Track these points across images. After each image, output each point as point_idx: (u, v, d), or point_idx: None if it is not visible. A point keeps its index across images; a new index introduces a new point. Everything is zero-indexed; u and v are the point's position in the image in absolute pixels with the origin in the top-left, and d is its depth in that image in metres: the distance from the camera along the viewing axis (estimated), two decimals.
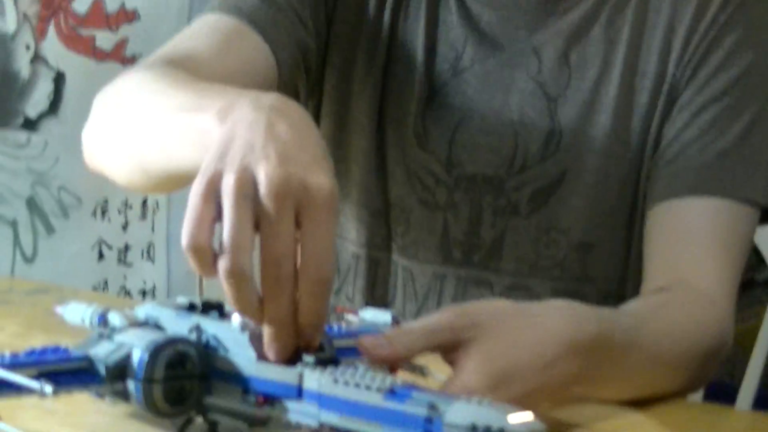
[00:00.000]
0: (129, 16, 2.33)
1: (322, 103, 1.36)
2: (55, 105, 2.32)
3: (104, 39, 2.33)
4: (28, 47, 2.30)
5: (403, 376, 0.84)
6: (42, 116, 2.33)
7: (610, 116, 1.28)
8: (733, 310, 1.20)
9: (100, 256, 2.39)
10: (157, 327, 0.88)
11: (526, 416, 0.71)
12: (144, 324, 0.88)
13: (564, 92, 1.29)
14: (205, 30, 1.23)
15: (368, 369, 0.79)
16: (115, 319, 0.88)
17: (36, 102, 2.32)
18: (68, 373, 0.82)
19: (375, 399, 0.76)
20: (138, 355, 0.82)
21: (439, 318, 0.87)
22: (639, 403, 1.02)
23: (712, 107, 1.25)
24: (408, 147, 1.33)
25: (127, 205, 2.38)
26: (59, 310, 0.95)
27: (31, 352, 0.83)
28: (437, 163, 1.32)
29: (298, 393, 0.80)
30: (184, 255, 0.80)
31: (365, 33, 1.33)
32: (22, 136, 2.33)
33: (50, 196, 2.35)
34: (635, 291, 1.25)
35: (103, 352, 0.83)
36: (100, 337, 0.86)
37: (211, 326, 0.86)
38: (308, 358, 0.80)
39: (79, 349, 0.84)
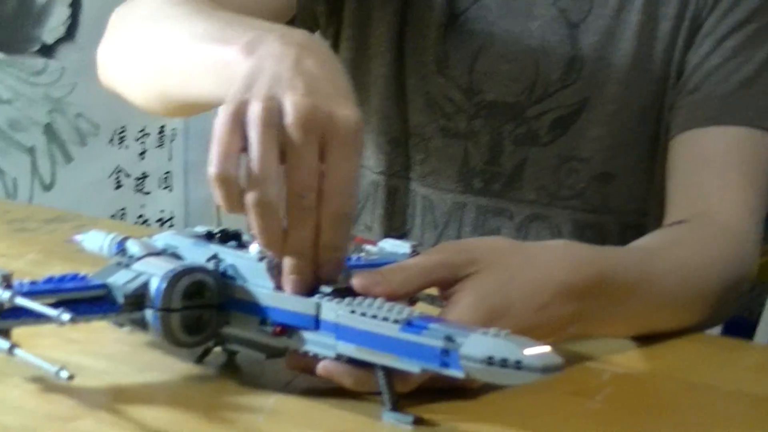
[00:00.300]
0: None
1: (341, 30, 1.35)
2: (71, 31, 2.32)
3: None
4: None
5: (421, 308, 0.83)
6: (59, 42, 2.32)
7: (632, 44, 1.27)
8: (758, 242, 1.19)
9: (118, 184, 2.39)
10: (175, 256, 0.88)
11: (543, 349, 0.71)
12: (162, 253, 0.88)
13: (585, 19, 1.28)
14: None
15: (386, 300, 0.79)
16: (133, 247, 0.87)
17: (52, 28, 2.32)
18: (86, 301, 0.82)
19: (391, 330, 0.76)
20: (156, 284, 0.82)
21: (437, 255, 0.86)
22: (655, 337, 1.02)
23: (735, 34, 1.24)
24: (428, 74, 1.32)
25: (144, 132, 2.38)
26: (78, 238, 0.94)
27: (50, 280, 0.82)
28: (457, 90, 1.31)
29: (316, 324, 0.80)
30: (201, 183, 0.79)
31: None
32: (38, 62, 2.33)
33: (67, 123, 2.35)
34: (657, 223, 1.24)
35: (121, 280, 0.83)
36: (118, 265, 0.85)
37: (229, 256, 0.85)
38: (325, 288, 0.80)
39: (98, 277, 0.84)
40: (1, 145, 2.34)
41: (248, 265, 0.84)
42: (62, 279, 0.83)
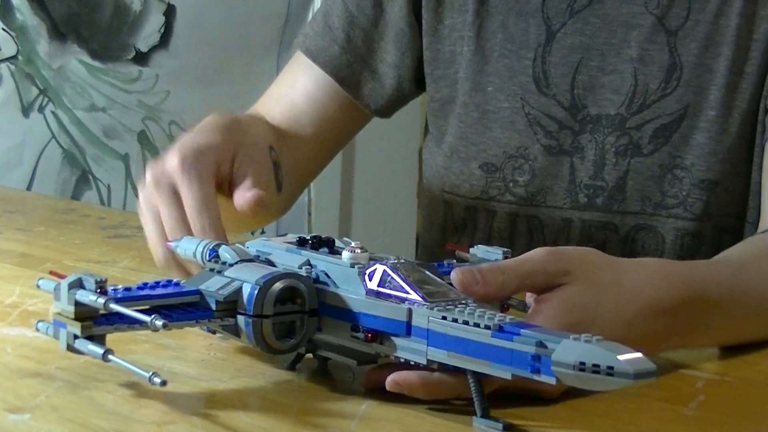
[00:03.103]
0: None
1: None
2: (165, 38, 2.34)
3: None
4: None
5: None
6: (153, 50, 2.35)
7: (731, 48, 1.26)
8: None
9: None
10: (268, 262, 0.88)
11: (636, 355, 0.70)
12: (255, 259, 0.88)
13: (684, 25, 1.27)
14: (299, 98, 1.39)
15: (478, 306, 0.78)
16: (226, 254, 0.88)
17: (147, 35, 2.34)
18: (180, 307, 0.82)
19: (483, 337, 0.76)
20: (248, 290, 0.82)
21: (534, 260, 0.86)
22: (749, 344, 1.00)
23: None
24: (527, 94, 1.31)
25: None
26: (172, 245, 0.95)
27: (143, 286, 0.83)
28: (559, 108, 1.30)
29: (407, 330, 0.80)
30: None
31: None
32: (133, 70, 2.36)
33: (161, 130, 2.37)
34: (753, 228, 1.23)
35: (214, 286, 0.83)
36: (212, 272, 0.86)
37: (321, 262, 0.86)
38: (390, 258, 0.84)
39: (191, 283, 0.85)
40: (95, 153, 2.37)
41: (340, 271, 0.84)
42: (156, 285, 0.84)
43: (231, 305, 0.83)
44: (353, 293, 0.83)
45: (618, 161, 1.28)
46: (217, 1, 2.32)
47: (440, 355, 0.78)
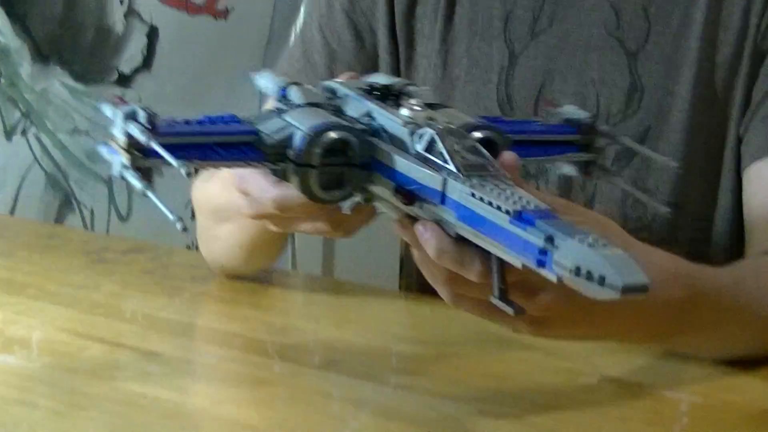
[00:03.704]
0: None
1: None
2: (148, 60, 2.33)
3: None
4: (121, 1, 2.30)
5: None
6: (136, 71, 2.34)
7: (693, 71, 1.25)
8: None
9: (193, 214, 2.41)
10: (334, 108, 0.89)
11: (632, 268, 0.69)
12: (322, 104, 0.88)
13: (644, 47, 1.27)
14: None
15: (511, 186, 0.78)
16: (295, 94, 0.89)
17: (130, 57, 2.33)
18: (234, 145, 0.84)
19: (502, 220, 0.76)
20: (299, 138, 0.83)
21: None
22: (735, 368, 1.01)
23: None
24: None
25: None
26: (254, 75, 0.96)
27: (204, 120, 0.84)
28: None
29: (442, 198, 0.80)
30: None
31: (440, 22, 1.33)
32: (116, 92, 2.35)
33: None
34: (724, 253, 1.24)
35: (269, 129, 0.84)
36: (275, 112, 0.86)
37: (381, 116, 0.86)
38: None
39: (252, 122, 0.85)
40: (78, 176, 2.36)
41: (395, 128, 0.85)
42: (217, 119, 0.85)
43: (281, 150, 0.83)
44: (400, 153, 0.83)
45: (585, 184, 1.29)
46: (199, 23, 2.32)
47: (468, 232, 0.78)
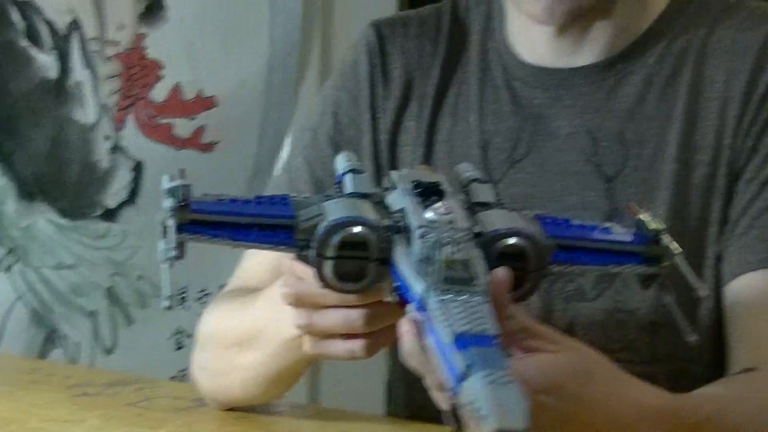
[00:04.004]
0: (206, 103, 2.38)
1: None
2: (134, 194, 2.34)
3: (182, 126, 2.38)
4: (107, 137, 2.33)
5: None
6: (121, 206, 2.35)
7: (669, 192, 1.28)
8: None
9: (179, 345, 2.40)
10: (379, 202, 0.93)
11: (517, 410, 0.71)
12: (366, 195, 0.93)
13: (621, 171, 1.30)
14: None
15: (484, 305, 0.80)
16: (348, 182, 0.94)
17: (115, 192, 2.35)
18: (270, 227, 0.88)
19: (446, 338, 0.78)
20: (321, 228, 0.87)
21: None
22: None
23: None
24: None
25: (205, 292, 2.39)
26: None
27: (250, 200, 0.90)
28: None
29: (421, 306, 0.82)
30: None
31: (421, 149, 1.36)
32: (101, 226, 2.36)
33: (129, 285, 2.37)
34: (706, 370, 1.25)
35: (306, 215, 0.89)
36: (319, 198, 0.92)
37: (410, 213, 0.89)
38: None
39: (298, 205, 0.90)
40: (63, 311, 2.35)
41: (413, 226, 0.88)
42: (266, 199, 0.90)
43: (308, 236, 0.88)
44: (405, 256, 0.86)
45: (565, 307, 1.30)
46: (185, 156, 2.35)
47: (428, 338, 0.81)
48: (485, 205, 0.95)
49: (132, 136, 2.34)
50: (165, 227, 0.85)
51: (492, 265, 0.88)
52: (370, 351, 1.00)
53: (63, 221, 2.33)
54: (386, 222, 0.89)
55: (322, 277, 0.87)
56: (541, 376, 0.86)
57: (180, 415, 1.29)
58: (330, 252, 0.86)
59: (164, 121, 2.36)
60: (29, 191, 2.31)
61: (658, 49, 1.33)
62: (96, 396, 1.36)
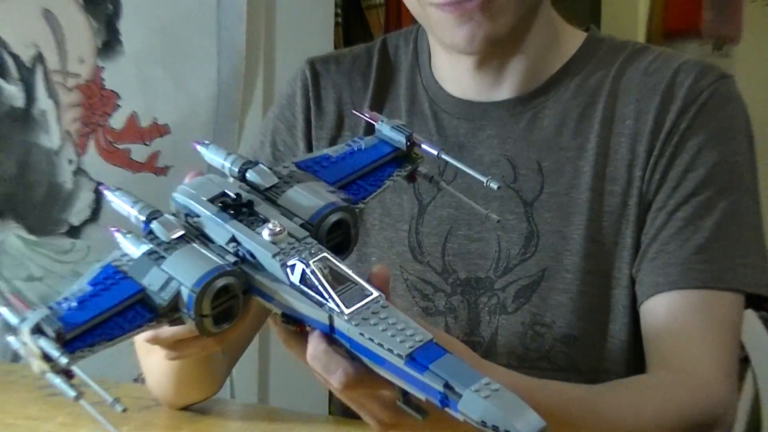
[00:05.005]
0: (161, 130, 2.42)
1: None
2: (96, 213, 2.40)
3: (138, 152, 2.41)
4: (70, 161, 2.38)
5: None
6: (84, 223, 2.40)
7: (584, 218, 1.32)
8: (733, 389, 1.24)
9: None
10: (199, 234, 0.90)
11: (532, 416, 0.73)
12: (185, 237, 0.89)
13: (539, 197, 1.33)
14: None
15: (390, 315, 0.80)
16: (158, 230, 0.89)
17: (79, 211, 2.40)
18: (129, 309, 0.85)
19: (396, 361, 0.78)
20: (186, 295, 0.85)
21: None
22: None
23: (685, 206, 1.29)
24: (405, 262, 1.38)
25: None
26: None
27: (88, 295, 0.84)
28: (433, 273, 1.36)
29: (330, 330, 0.83)
30: None
31: None
32: (66, 242, 2.40)
33: None
34: (618, 380, 1.28)
35: (153, 284, 0.85)
36: (148, 260, 0.87)
37: (246, 241, 0.88)
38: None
39: (134, 273, 0.86)
40: None
41: (264, 258, 0.87)
42: (99, 285, 0.85)
43: (174, 305, 0.86)
44: (278, 284, 0.85)
45: (490, 319, 1.33)
46: (141, 179, 2.39)
47: (363, 360, 0.81)
48: (275, 189, 0.92)
49: (93, 161, 2.39)
50: (50, 364, 0.79)
51: (328, 247, 0.88)
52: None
53: (31, 237, 2.38)
54: (230, 258, 0.87)
55: (204, 332, 0.86)
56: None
57: (142, 414, 1.32)
58: (206, 311, 0.85)
59: (122, 146, 2.41)
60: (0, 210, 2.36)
61: (572, 86, 1.34)
62: (65, 395, 1.41)
